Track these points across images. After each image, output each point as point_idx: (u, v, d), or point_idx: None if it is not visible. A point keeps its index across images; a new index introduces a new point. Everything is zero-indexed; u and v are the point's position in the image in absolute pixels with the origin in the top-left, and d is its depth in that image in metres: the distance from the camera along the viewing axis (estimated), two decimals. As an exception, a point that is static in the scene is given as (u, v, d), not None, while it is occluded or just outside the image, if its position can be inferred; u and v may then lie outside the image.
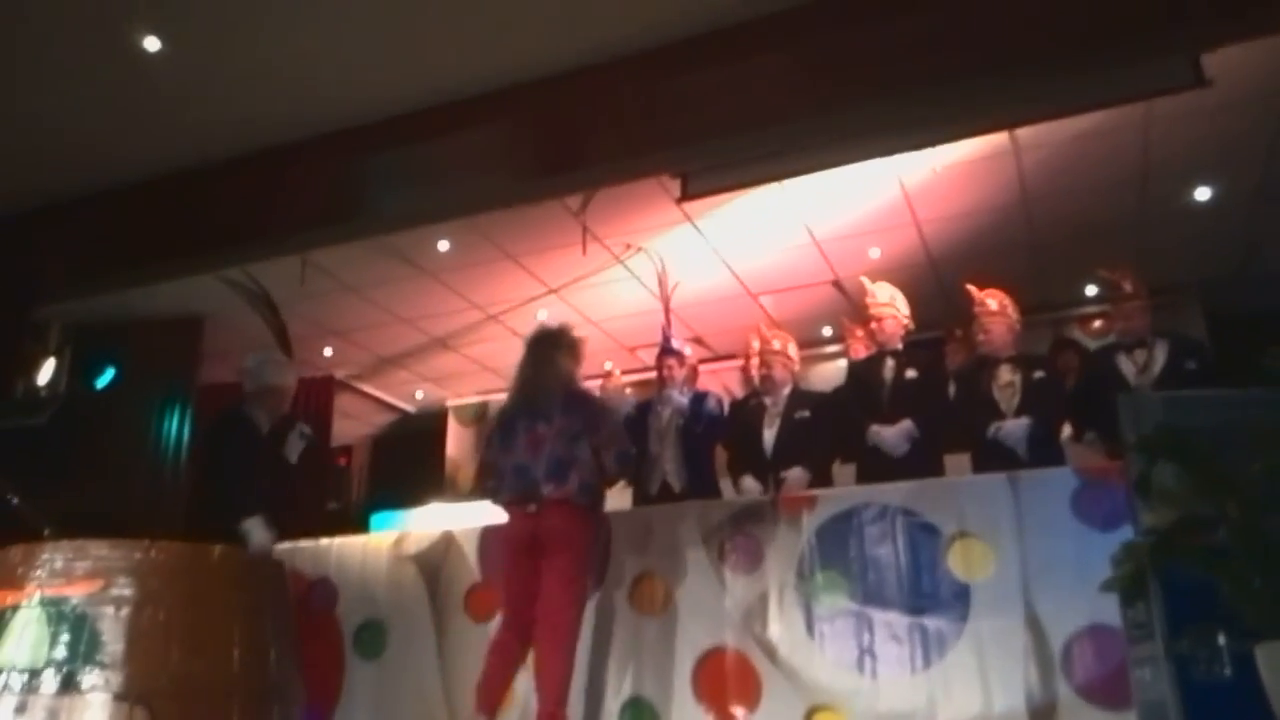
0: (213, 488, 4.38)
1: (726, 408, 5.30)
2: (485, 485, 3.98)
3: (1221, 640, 2.79)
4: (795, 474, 4.69)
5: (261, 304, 5.37)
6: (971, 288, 4.94)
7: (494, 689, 3.71)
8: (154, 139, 5.49)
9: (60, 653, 1.88)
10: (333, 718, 4.55)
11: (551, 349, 4.01)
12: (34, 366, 6.59)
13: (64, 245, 6.14)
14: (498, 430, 3.98)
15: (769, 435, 4.92)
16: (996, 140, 5.78)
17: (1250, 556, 2.40)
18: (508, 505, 3.87)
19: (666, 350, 5.33)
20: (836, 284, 7.51)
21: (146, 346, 7.42)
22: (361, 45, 4.79)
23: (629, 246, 6.75)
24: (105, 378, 7.34)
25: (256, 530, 4.04)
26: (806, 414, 4.89)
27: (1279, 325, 3.57)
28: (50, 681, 1.86)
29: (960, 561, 3.88)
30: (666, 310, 5.95)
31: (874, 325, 5.03)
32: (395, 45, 4.80)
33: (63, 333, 6.78)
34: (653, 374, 5.58)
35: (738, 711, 4.00)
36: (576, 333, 4.17)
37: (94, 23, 4.57)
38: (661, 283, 6.15)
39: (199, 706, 1.91)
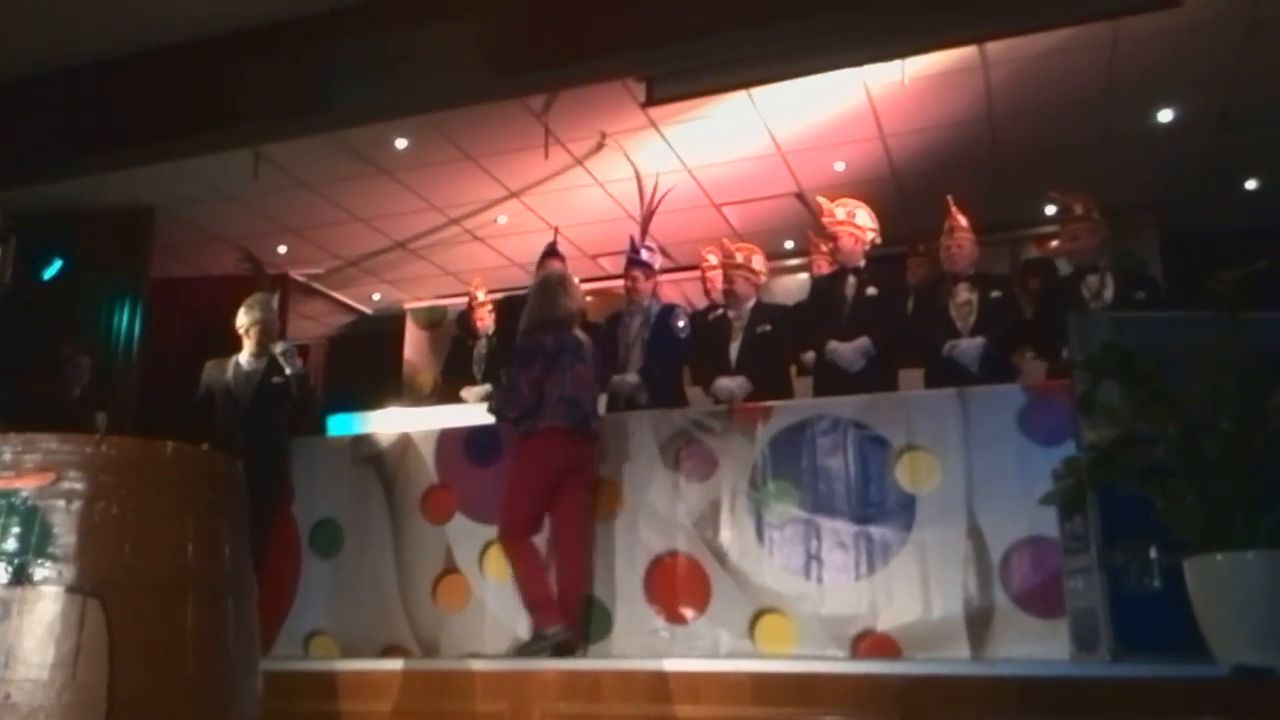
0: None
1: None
2: (509, 404, 4.09)
3: (1153, 553, 2.90)
4: (739, 382, 4.72)
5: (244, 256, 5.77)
6: (950, 200, 4.95)
7: (544, 590, 3.93)
8: (98, 22, 5.23)
9: (11, 545, 1.85)
10: (289, 613, 4.62)
11: (557, 288, 4.22)
12: (-23, 255, 6.40)
13: (3, 131, 5.90)
14: (540, 358, 4.01)
15: (734, 348, 4.94)
16: (966, 54, 5.72)
17: (1186, 474, 2.48)
18: (549, 431, 3.98)
19: (635, 262, 5.30)
20: (799, 196, 7.46)
21: (96, 238, 7.23)
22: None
23: (604, 135, 6.58)
24: (53, 268, 7.17)
25: None
26: (768, 328, 4.93)
27: (1232, 248, 3.63)
28: (1, 573, 1.84)
29: (908, 473, 3.98)
30: (646, 218, 5.80)
31: (833, 244, 5.04)
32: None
33: (7, 221, 6.57)
34: (615, 282, 5.53)
35: (687, 613, 4.12)
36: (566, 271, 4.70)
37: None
38: (641, 187, 5.98)
39: (153, 600, 1.91)
